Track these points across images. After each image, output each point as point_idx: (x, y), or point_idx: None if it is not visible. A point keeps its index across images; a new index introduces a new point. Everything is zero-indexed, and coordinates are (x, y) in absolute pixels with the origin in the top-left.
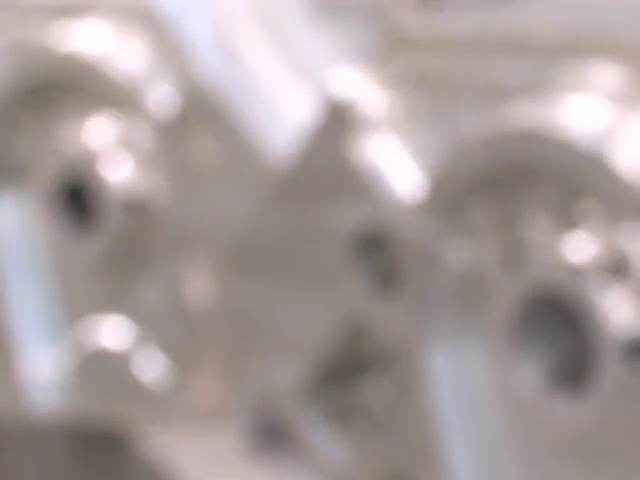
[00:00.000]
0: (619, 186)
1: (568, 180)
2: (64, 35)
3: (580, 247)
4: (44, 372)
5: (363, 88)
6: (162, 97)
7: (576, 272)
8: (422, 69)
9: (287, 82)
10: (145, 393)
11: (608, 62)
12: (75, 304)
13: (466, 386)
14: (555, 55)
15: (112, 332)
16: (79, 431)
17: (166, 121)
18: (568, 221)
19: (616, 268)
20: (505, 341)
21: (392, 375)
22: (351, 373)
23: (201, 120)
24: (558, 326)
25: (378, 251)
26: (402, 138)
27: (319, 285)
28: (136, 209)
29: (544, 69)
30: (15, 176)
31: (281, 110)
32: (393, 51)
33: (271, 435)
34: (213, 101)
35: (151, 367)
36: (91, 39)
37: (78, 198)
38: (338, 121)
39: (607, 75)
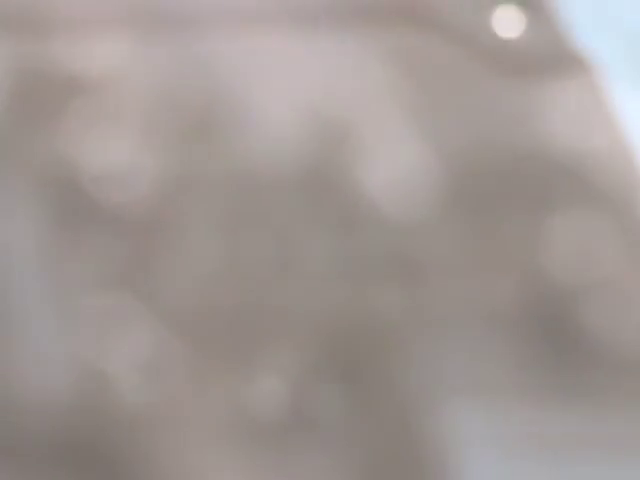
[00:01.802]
0: (600, 198)
1: (547, 192)
2: (75, 49)
3: (567, 259)
4: (45, 381)
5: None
6: (169, 110)
7: (562, 287)
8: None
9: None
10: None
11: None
12: (75, 313)
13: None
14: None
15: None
16: (77, 451)
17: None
18: (550, 233)
19: (600, 279)
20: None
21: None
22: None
23: (206, 131)
24: (550, 334)
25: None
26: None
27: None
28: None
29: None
30: (24, 173)
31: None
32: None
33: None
34: (221, 114)
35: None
36: (102, 56)
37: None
38: (333, 136)
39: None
